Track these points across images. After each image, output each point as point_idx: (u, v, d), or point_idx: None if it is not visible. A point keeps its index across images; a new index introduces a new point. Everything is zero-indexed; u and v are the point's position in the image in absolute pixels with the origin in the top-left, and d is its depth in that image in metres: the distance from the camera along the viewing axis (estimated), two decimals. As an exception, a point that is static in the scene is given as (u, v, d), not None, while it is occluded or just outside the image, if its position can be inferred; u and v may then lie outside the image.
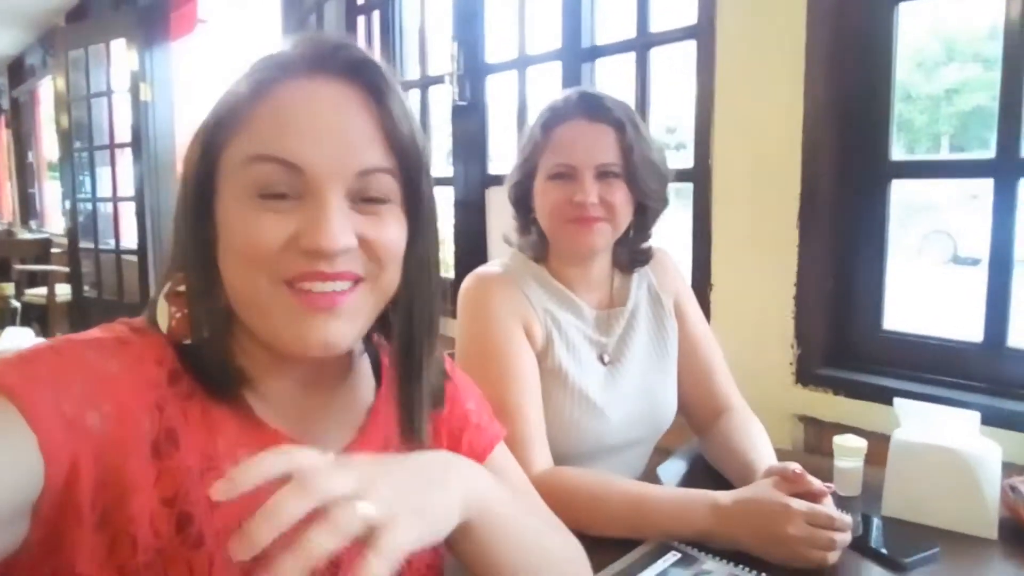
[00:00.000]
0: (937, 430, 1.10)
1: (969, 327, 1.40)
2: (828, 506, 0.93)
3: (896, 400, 1.16)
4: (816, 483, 0.95)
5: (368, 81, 0.61)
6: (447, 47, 2.34)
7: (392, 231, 0.62)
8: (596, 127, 1.11)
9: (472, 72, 2.30)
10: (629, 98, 1.84)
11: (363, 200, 0.60)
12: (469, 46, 2.27)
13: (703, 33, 1.62)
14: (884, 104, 1.42)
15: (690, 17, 1.68)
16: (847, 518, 0.92)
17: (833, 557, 0.91)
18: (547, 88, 2.08)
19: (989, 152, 1.31)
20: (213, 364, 0.61)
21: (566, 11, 1.97)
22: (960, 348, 1.40)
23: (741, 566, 0.91)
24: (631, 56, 1.85)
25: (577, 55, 1.96)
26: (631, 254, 1.23)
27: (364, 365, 0.73)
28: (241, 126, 0.59)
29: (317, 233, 0.57)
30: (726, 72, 1.55)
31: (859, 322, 1.50)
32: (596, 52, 1.95)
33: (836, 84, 1.43)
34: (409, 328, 0.67)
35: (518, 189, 1.20)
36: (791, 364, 1.51)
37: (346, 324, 0.60)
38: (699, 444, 1.30)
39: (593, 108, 1.13)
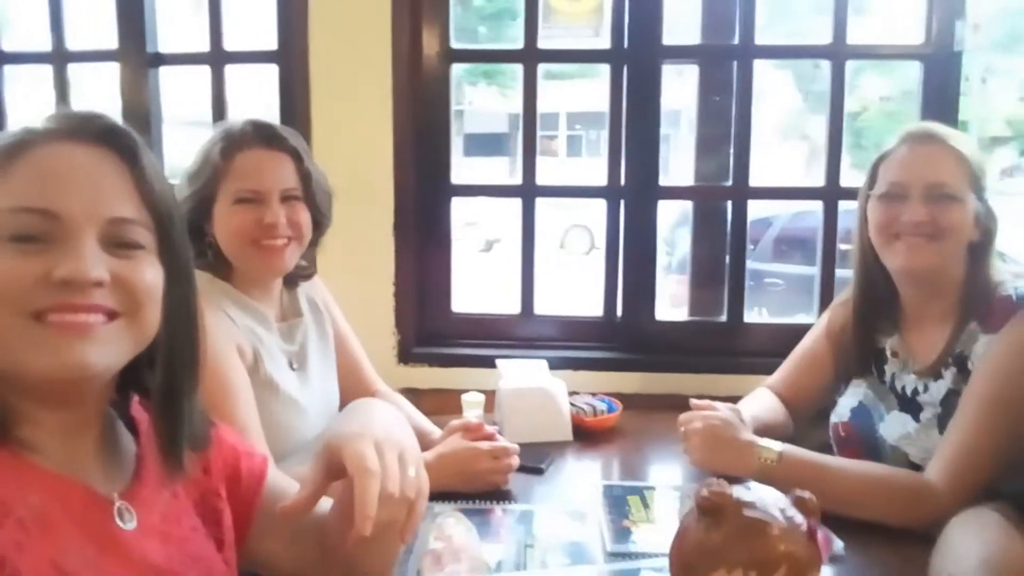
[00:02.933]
0: (525, 376, 1.58)
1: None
2: (501, 442, 1.30)
3: (498, 361, 1.61)
4: (489, 428, 1.31)
5: (121, 145, 0.69)
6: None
7: (147, 273, 0.68)
8: (276, 155, 1.24)
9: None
10: (205, 112, 1.86)
11: (117, 245, 0.66)
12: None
13: (285, 58, 1.78)
14: (447, 138, 1.85)
15: (270, 42, 1.81)
16: (515, 446, 1.30)
17: (510, 478, 1.28)
18: (98, 89, 1.90)
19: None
20: None
21: (121, 11, 1.84)
22: (504, 318, 1.94)
23: (457, 501, 1.20)
24: (206, 69, 1.86)
25: (140, 59, 1.86)
26: (298, 270, 1.37)
27: (120, 423, 0.78)
28: None
29: (69, 263, 0.62)
30: (322, 100, 1.76)
31: (437, 308, 1.91)
32: (160, 60, 1.89)
33: (415, 121, 1.79)
34: (171, 370, 0.73)
35: (193, 215, 1.21)
36: (394, 348, 1.84)
37: (99, 349, 0.64)
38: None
39: (270, 138, 1.24)
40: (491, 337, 1.91)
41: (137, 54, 1.85)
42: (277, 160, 1.23)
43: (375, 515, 0.66)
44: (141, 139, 0.71)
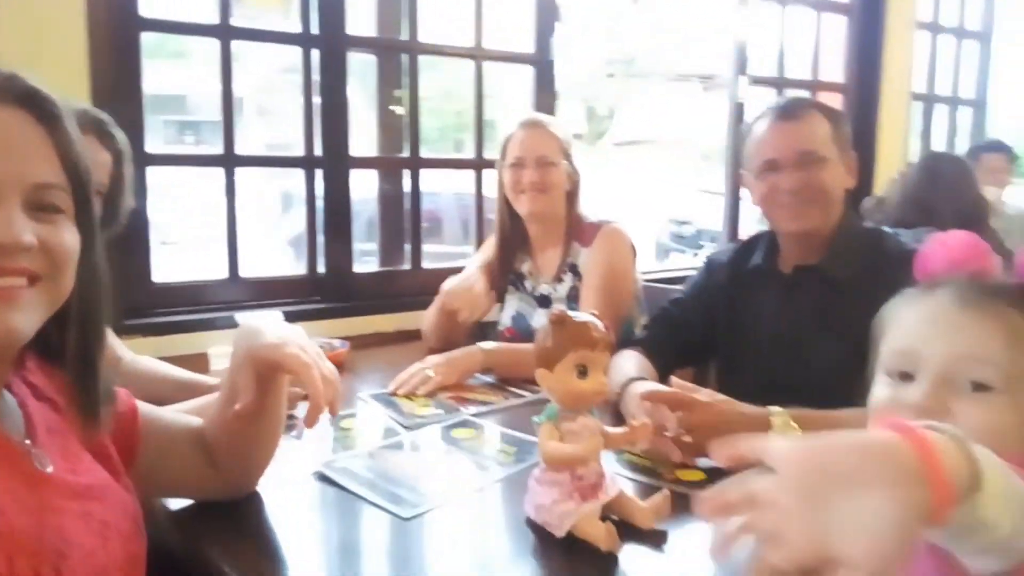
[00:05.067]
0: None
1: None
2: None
3: (237, 316, 1.74)
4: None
5: (42, 108, 0.70)
6: None
7: (67, 237, 0.71)
8: (102, 151, 1.29)
9: None
10: None
11: (39, 209, 0.69)
12: None
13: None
14: (139, 107, 1.85)
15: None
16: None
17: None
18: None
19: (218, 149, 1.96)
20: None
21: None
22: (211, 283, 2.02)
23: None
24: None
25: None
26: None
27: None
28: None
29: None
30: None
31: (141, 280, 1.90)
32: None
33: (110, 91, 1.76)
34: (85, 333, 0.76)
35: None
36: (103, 321, 1.78)
37: (26, 316, 0.68)
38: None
39: (104, 133, 1.29)
40: (200, 303, 1.99)
41: None
42: (99, 153, 1.27)
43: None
44: (62, 102, 0.72)
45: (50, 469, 0.74)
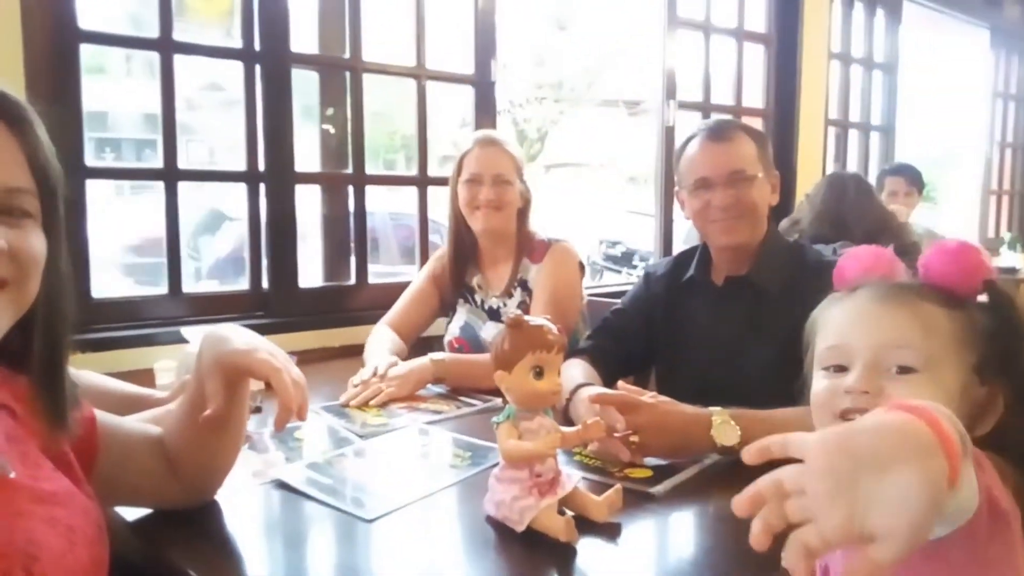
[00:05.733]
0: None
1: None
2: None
3: (183, 329, 1.72)
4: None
5: (10, 113, 0.72)
6: None
7: (34, 243, 0.72)
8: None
9: None
10: None
11: (6, 214, 0.70)
12: None
13: None
14: (79, 121, 1.81)
15: None
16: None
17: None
18: None
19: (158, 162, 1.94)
20: None
21: None
22: (151, 299, 1.99)
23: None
24: None
25: None
26: None
27: None
28: None
29: None
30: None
31: (80, 296, 1.85)
32: None
33: (49, 102, 1.72)
34: (51, 339, 0.77)
35: None
36: (37, 338, 1.73)
37: None
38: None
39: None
40: (141, 318, 1.95)
41: None
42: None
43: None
44: (31, 108, 0.74)
45: (12, 475, 0.73)
